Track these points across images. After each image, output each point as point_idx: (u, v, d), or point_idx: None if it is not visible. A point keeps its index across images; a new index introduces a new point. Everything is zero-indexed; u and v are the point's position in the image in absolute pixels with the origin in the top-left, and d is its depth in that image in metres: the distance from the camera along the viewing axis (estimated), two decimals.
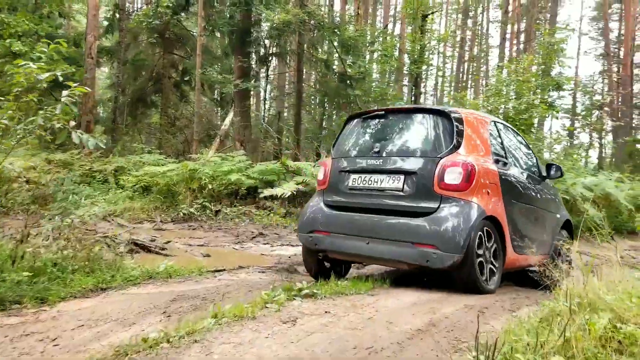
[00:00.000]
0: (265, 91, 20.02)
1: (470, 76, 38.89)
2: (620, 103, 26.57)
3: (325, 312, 3.42)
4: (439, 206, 4.12)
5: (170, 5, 14.99)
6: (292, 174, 11.03)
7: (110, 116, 18.70)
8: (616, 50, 33.49)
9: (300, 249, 7.39)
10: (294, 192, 10.07)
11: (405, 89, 23.07)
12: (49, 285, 3.88)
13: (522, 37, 31.44)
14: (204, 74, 15.11)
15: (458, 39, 33.88)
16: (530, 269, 5.20)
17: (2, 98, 3.96)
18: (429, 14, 18.51)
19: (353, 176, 4.67)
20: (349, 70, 15.79)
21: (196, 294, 4.16)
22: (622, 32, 30.67)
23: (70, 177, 5.57)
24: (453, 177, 4.12)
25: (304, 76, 18.56)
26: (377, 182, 4.47)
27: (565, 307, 2.72)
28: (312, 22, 14.64)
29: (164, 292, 4.32)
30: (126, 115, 17.87)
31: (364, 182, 4.57)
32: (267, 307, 3.54)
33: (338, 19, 17.82)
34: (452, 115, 4.46)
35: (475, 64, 38.52)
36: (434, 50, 22.42)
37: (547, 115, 14.98)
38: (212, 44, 19.57)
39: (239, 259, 6.74)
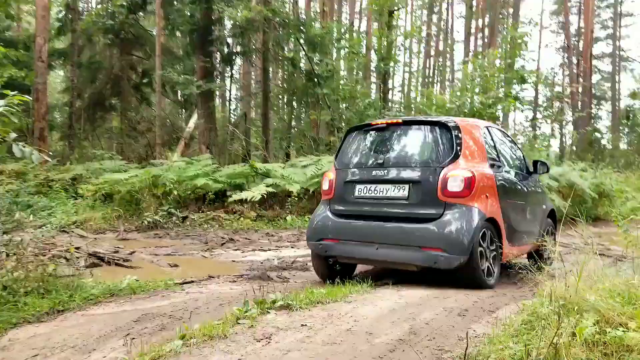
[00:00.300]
0: (230, 92, 19.63)
1: (437, 72, 39.30)
2: (580, 94, 27.31)
3: (302, 325, 3.24)
4: (443, 212, 4.41)
5: (125, 4, 14.42)
6: (261, 176, 10.78)
7: (67, 121, 17.95)
8: (576, 43, 34.44)
9: (271, 253, 7.30)
10: (264, 195, 9.84)
11: (373, 86, 23.07)
12: None
13: (487, 32, 31.92)
14: (165, 75, 14.64)
15: (424, 34, 34.14)
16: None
17: None
18: (394, 10, 18.50)
19: (359, 186, 4.94)
20: (317, 68, 15.62)
21: (162, 312, 3.91)
22: (582, 25, 31.54)
23: (24, 188, 5.20)
24: (455, 184, 4.40)
25: (270, 75, 18.27)
26: (382, 191, 4.76)
27: (550, 310, 2.62)
28: (276, 19, 14.39)
29: (127, 311, 4.04)
30: (84, 120, 17.18)
31: (370, 191, 4.84)
32: (239, 324, 3.33)
33: (303, 16, 17.61)
34: (450, 125, 4.73)
35: (441, 60, 38.97)
36: (401, 47, 22.50)
37: (512, 109, 15.20)
38: (172, 43, 19.03)
39: (208, 267, 6.47)
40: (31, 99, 3.45)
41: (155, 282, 4.98)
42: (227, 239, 8.45)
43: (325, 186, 5.26)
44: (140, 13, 16.97)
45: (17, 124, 3.27)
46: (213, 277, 5.51)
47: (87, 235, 8.85)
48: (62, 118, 20.13)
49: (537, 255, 5.57)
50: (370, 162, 4.99)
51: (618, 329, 2.27)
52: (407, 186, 4.62)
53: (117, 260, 6.57)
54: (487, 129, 5.40)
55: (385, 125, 5.12)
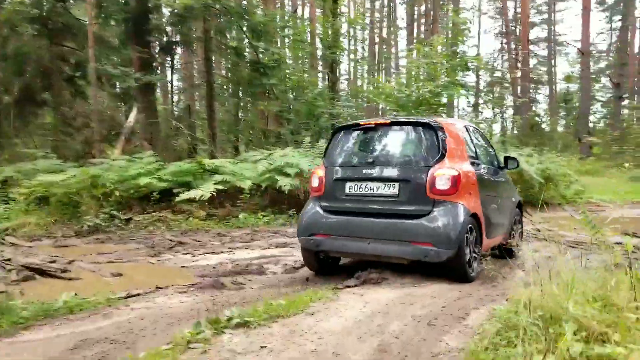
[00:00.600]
0: (172, 83, 18.78)
1: (383, 59, 39.50)
2: (520, 79, 28.20)
3: (261, 347, 2.96)
4: (432, 209, 4.67)
5: None
6: (210, 172, 10.28)
7: None
8: (513, 28, 35.53)
9: (224, 256, 6.94)
10: (214, 193, 9.38)
11: (320, 75, 22.78)
12: None
13: (431, 18, 32.26)
14: (100, 67, 13.70)
15: (368, 21, 34.12)
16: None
17: None
18: None
19: (349, 184, 5.14)
20: (262, 57, 15.14)
21: (103, 336, 3.50)
22: (519, 10, 32.51)
23: None
24: (443, 183, 4.66)
25: (213, 65, 17.57)
26: (373, 189, 4.98)
27: (529, 322, 2.47)
28: (217, 6, 13.75)
29: (63, 335, 3.60)
30: (13, 117, 15.87)
31: (361, 189, 5.06)
32: (190, 348, 3.00)
33: (245, 2, 16.99)
34: (435, 126, 4.98)
35: (385, 47, 39.19)
36: (346, 35, 22.30)
37: (456, 96, 15.37)
38: (107, 33, 17.87)
39: (156, 275, 6.03)
40: None
41: (97, 298, 4.53)
42: (175, 242, 7.97)
43: (314, 183, 5.44)
44: (71, 0, 15.79)
45: None
46: (161, 288, 5.09)
47: (20, 243, 8.13)
48: None
49: (504, 247, 6.07)
50: (360, 160, 5.27)
51: (605, 346, 2.13)
52: (397, 184, 4.85)
53: (54, 271, 5.99)
54: (466, 127, 5.76)
55: (373, 125, 5.34)
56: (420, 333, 3.08)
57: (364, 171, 5.09)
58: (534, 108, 30.53)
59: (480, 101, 28.57)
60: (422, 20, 34.23)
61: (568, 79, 32.00)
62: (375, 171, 5.02)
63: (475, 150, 5.58)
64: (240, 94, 18.60)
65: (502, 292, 4.43)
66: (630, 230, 7.76)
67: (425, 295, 4.08)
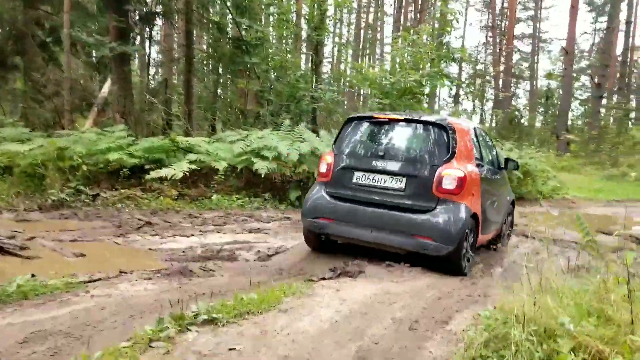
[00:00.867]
0: (149, 56, 18.08)
1: (368, 45, 39.06)
2: (503, 74, 28.25)
3: (229, 350, 2.72)
4: (436, 206, 4.87)
5: None
6: (183, 151, 9.87)
7: None
8: (499, 22, 35.50)
9: (194, 239, 6.67)
10: (187, 173, 9.01)
11: (303, 57, 22.31)
12: None
13: (419, 7, 31.91)
14: (74, 34, 13.00)
15: (355, 5, 33.61)
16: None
17: None
18: None
19: (357, 173, 5.30)
20: (245, 34, 14.63)
21: (58, 328, 3.21)
22: (506, 5, 32.46)
23: None
24: (449, 182, 4.85)
25: (194, 40, 16.94)
26: (381, 181, 5.14)
27: (523, 338, 2.28)
28: None
29: (14, 325, 3.30)
30: None
31: (369, 180, 5.21)
32: (152, 347, 2.75)
33: None
34: (447, 126, 5.16)
35: (371, 32, 38.75)
36: (332, 17, 21.84)
37: (439, 87, 15.18)
38: None
39: (120, 257, 5.70)
40: None
41: (54, 282, 4.20)
42: (144, 222, 7.60)
43: (322, 169, 5.60)
44: None
45: None
46: (125, 273, 4.78)
47: None
48: None
49: (494, 241, 6.36)
50: (370, 152, 5.38)
51: None
52: (404, 179, 5.03)
53: (12, 248, 5.59)
54: (474, 130, 5.98)
55: (387, 119, 5.50)
56: (401, 339, 2.88)
57: (374, 163, 5.23)
58: (513, 102, 30.71)
59: (462, 92, 28.50)
60: (410, 9, 33.85)
61: (549, 76, 32.20)
62: (384, 164, 5.17)
63: (481, 151, 5.83)
64: (220, 70, 18.03)
65: (483, 292, 4.29)
66: (594, 228, 7.76)
67: (404, 294, 3.90)
